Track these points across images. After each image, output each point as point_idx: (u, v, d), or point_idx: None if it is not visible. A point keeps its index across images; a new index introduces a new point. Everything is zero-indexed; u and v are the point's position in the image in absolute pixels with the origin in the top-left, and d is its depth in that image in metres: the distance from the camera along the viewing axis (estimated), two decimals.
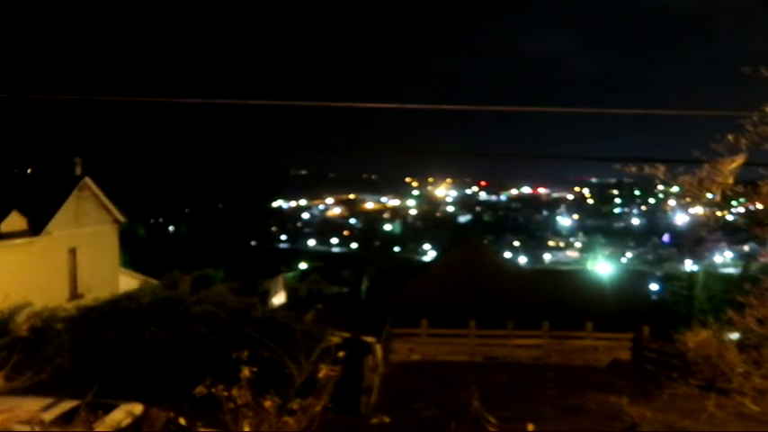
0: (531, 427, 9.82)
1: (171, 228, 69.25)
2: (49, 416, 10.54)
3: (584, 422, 18.19)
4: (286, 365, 9.41)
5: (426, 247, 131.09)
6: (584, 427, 17.58)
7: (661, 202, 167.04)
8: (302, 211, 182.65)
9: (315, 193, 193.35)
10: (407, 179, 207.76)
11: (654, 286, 50.63)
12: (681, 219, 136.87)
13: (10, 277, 22.20)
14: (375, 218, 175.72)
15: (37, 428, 9.37)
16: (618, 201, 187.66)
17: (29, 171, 38.94)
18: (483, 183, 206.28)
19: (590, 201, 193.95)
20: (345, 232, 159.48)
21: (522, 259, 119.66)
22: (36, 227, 24.48)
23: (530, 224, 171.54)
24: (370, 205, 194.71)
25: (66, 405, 11.31)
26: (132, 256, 45.53)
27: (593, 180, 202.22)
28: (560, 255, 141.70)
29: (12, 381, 7.44)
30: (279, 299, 69.31)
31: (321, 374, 8.37)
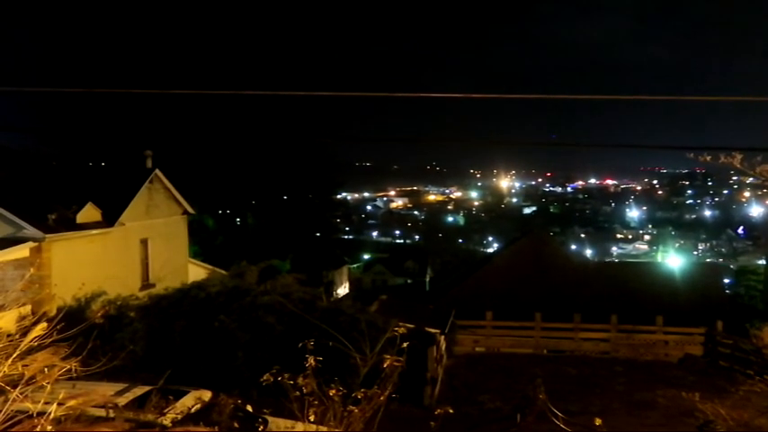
0: (598, 421, 9.60)
1: (238, 219, 70.36)
2: (122, 400, 10.87)
3: (653, 418, 17.78)
4: (351, 355, 9.43)
5: (490, 238, 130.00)
6: (654, 423, 17.17)
7: (735, 193, 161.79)
8: (367, 203, 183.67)
9: (379, 184, 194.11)
10: (472, 170, 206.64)
11: (727, 280, 48.95)
12: (756, 210, 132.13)
13: (86, 266, 23.00)
14: (439, 209, 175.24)
15: (111, 412, 9.66)
16: (689, 192, 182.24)
17: (102, 164, 40.25)
18: (548, 174, 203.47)
19: (660, 192, 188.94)
20: (409, 224, 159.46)
21: (589, 252, 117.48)
22: (110, 218, 25.26)
23: (597, 216, 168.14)
24: (433, 197, 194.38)
25: (139, 390, 11.65)
26: (201, 246, 46.50)
27: (664, 170, 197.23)
28: (629, 247, 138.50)
29: (87, 366, 7.66)
30: (344, 289, 69.85)
31: (385, 365, 8.37)
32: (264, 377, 8.35)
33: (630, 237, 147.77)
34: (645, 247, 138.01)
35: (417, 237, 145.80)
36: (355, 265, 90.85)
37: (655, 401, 19.35)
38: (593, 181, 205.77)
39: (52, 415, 6.38)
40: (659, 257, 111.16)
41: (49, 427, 6.37)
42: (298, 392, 7.84)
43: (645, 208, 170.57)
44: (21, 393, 6.22)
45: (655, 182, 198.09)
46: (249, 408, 11.83)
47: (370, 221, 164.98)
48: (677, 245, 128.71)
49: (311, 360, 8.15)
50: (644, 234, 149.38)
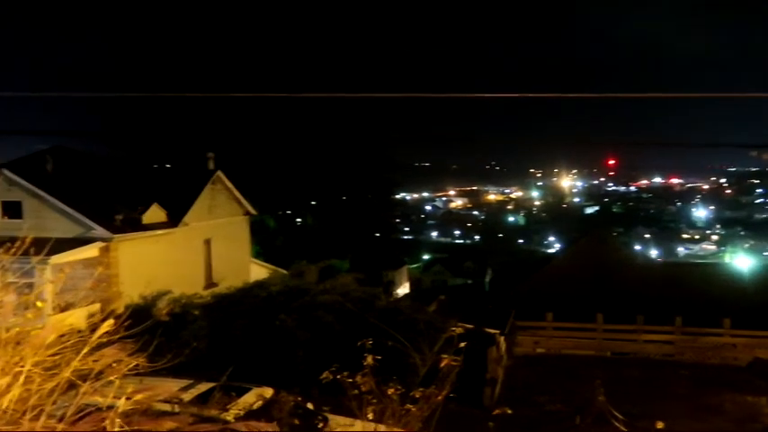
0: (660, 424, 9.42)
1: (298, 220, 71.17)
2: (187, 396, 11.17)
3: (718, 423, 17.32)
4: (409, 355, 9.49)
5: (551, 239, 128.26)
6: (719, 429, 16.72)
7: None
8: (426, 203, 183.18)
9: (438, 185, 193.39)
10: (532, 170, 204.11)
11: None
12: None
13: (152, 265, 23.65)
14: (498, 209, 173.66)
15: (176, 407, 9.93)
16: (759, 190, 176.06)
17: (166, 166, 41.25)
18: (611, 173, 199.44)
19: (728, 191, 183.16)
20: (468, 224, 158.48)
21: (654, 252, 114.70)
22: (174, 219, 25.91)
23: (662, 215, 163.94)
24: (493, 197, 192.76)
25: (203, 387, 11.94)
26: (262, 246, 47.17)
27: (732, 168, 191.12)
28: (695, 248, 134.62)
29: (153, 362, 7.90)
30: (403, 289, 69.90)
31: (443, 365, 8.39)
32: (324, 375, 8.47)
33: (697, 237, 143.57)
34: (712, 247, 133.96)
35: (477, 237, 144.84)
36: (415, 266, 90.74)
37: (721, 406, 18.84)
38: (657, 180, 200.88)
39: (120, 408, 6.61)
40: (727, 258, 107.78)
41: (118, 420, 6.60)
42: (356, 391, 7.94)
43: (712, 207, 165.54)
44: (91, 387, 6.46)
45: (722, 180, 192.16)
46: (309, 405, 12.00)
47: (430, 222, 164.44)
48: (747, 245, 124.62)
49: (369, 359, 8.23)
50: (711, 234, 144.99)
